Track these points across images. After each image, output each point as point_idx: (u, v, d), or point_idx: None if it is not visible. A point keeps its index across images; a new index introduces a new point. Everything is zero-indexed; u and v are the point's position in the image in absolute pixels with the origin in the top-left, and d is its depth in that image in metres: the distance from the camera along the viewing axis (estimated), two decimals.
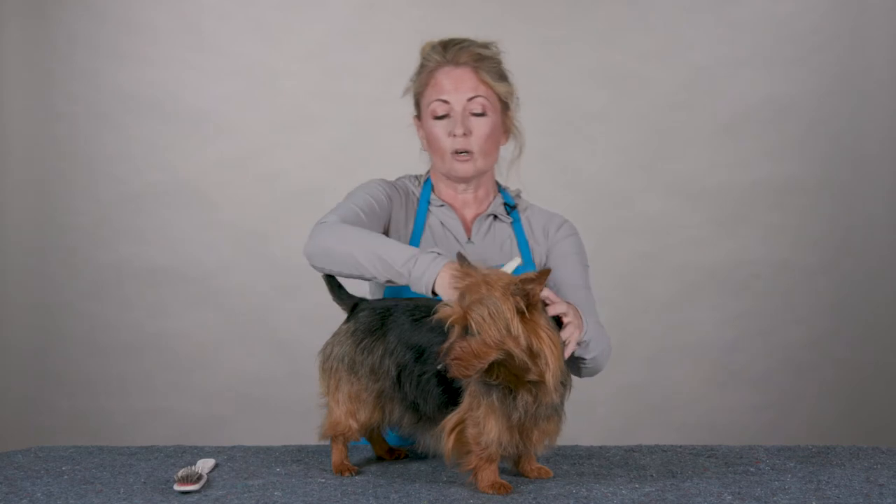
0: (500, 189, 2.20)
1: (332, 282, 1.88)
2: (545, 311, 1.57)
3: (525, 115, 4.13)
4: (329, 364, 1.79)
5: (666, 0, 4.11)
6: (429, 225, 2.10)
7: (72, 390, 3.97)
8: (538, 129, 4.09)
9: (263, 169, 3.94)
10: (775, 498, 1.54)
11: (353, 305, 1.85)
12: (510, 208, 2.17)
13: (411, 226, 2.09)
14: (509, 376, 1.54)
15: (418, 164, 2.23)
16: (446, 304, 1.54)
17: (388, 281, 1.80)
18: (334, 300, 1.87)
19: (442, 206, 2.12)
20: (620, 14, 4.10)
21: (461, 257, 1.61)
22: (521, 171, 2.17)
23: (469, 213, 2.14)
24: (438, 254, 1.76)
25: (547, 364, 1.51)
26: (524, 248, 2.13)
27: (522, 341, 1.50)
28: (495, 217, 2.15)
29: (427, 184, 2.16)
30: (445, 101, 2.05)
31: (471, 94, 2.05)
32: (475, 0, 4.06)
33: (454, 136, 2.04)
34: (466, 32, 4.13)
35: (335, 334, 1.82)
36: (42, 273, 3.97)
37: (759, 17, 4.11)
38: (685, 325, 4.13)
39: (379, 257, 1.79)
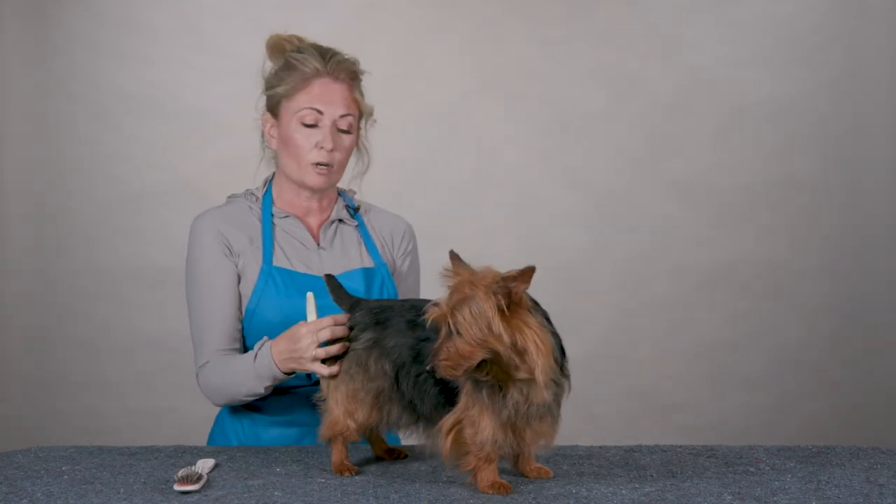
0: (340, 192, 2.23)
1: (331, 282, 1.88)
2: (538, 309, 1.56)
3: (525, 115, 4.15)
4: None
5: (666, 0, 4.11)
6: (276, 238, 2.11)
7: (72, 390, 3.97)
8: (538, 129, 4.14)
9: (263, 169, 3.93)
10: (775, 498, 1.54)
11: (350, 305, 1.85)
12: (353, 211, 2.20)
13: (258, 243, 2.10)
14: (500, 373, 1.54)
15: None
16: (434, 304, 1.54)
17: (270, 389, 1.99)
18: (333, 300, 1.87)
19: (286, 217, 2.14)
20: (620, 14, 4.10)
21: (453, 255, 1.61)
22: (363, 187, 2.23)
23: (314, 221, 2.17)
24: (260, 347, 1.94)
25: (535, 361, 1.51)
26: (372, 249, 2.17)
27: (506, 339, 1.49)
28: (340, 221, 2.18)
29: (267, 196, 2.17)
30: (319, 112, 2.06)
31: (343, 111, 2.08)
32: (475, 0, 4.06)
33: (321, 148, 2.06)
34: (467, 32, 4.15)
35: None
36: (42, 273, 3.97)
37: (759, 17, 4.11)
38: (685, 325, 4.13)
39: (253, 393, 1.99)
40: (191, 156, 3.97)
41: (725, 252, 4.13)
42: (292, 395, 2.08)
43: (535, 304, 1.57)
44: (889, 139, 4.14)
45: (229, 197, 2.21)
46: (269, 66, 2.18)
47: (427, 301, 1.73)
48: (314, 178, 2.08)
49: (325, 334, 1.78)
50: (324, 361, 1.79)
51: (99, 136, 3.96)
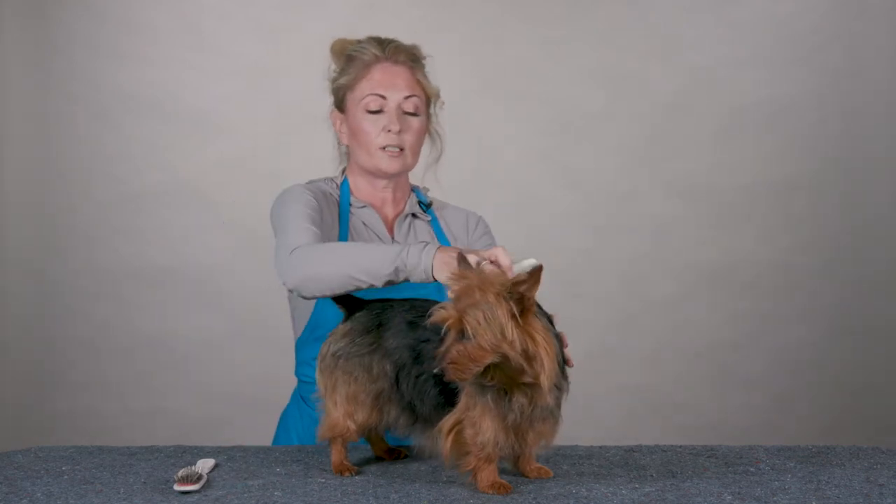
0: (413, 188, 2.23)
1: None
2: (542, 313, 1.57)
3: (525, 115, 4.16)
4: (326, 364, 1.78)
5: (666, 0, 4.11)
6: (352, 226, 2.11)
7: (72, 390, 3.97)
8: (538, 129, 4.14)
9: (263, 169, 3.94)
10: (775, 498, 1.54)
11: (353, 306, 1.84)
12: (426, 206, 2.20)
13: (336, 228, 2.09)
14: (504, 378, 1.54)
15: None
16: (442, 307, 1.54)
17: (387, 282, 1.78)
18: (332, 300, 1.87)
19: (363, 206, 2.13)
20: (620, 14, 4.11)
21: (461, 258, 1.61)
22: (438, 174, 2.20)
23: (389, 213, 2.17)
24: (426, 243, 1.76)
25: (542, 366, 1.52)
26: (445, 244, 2.13)
27: (518, 345, 1.50)
28: (414, 216, 2.18)
29: (344, 185, 2.16)
30: (382, 97, 2.06)
31: (407, 93, 2.08)
32: (475, 0, 4.06)
33: (388, 131, 2.05)
34: (466, 32, 4.15)
35: (332, 334, 1.82)
36: (42, 273, 3.97)
37: (759, 17, 4.11)
38: (685, 325, 4.13)
39: (367, 270, 1.76)
40: (191, 156, 3.97)
41: (725, 252, 4.13)
42: None
43: (538, 306, 1.57)
44: (889, 139, 4.14)
45: (308, 182, 2.16)
46: (334, 69, 2.16)
47: (426, 301, 1.73)
48: (387, 162, 2.08)
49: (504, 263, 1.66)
50: None
51: (99, 136, 3.96)
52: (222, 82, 3.96)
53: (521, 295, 1.50)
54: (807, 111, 4.13)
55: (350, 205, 2.13)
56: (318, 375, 1.79)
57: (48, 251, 3.97)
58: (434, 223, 2.19)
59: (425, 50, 2.20)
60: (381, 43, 2.10)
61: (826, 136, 4.14)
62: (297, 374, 2.20)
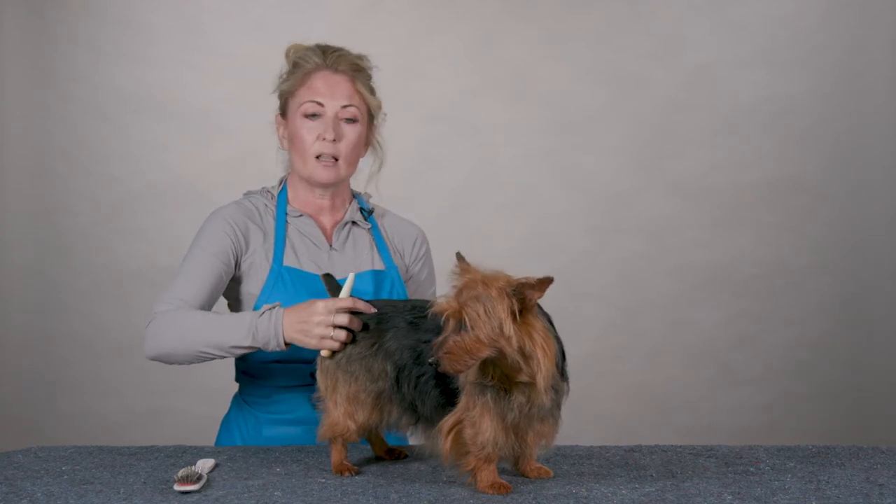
0: (355, 195, 2.23)
1: (330, 282, 1.88)
2: (542, 313, 1.57)
3: (525, 114, 4.16)
4: (326, 364, 1.78)
5: (666, 0, 4.12)
6: (288, 237, 2.12)
7: (72, 390, 3.97)
8: (538, 129, 4.14)
9: (263, 169, 3.93)
10: (775, 498, 1.54)
11: None
12: (367, 213, 2.21)
13: (271, 241, 2.10)
14: (503, 377, 1.54)
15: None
16: (442, 299, 1.55)
17: (241, 353, 1.90)
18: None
19: (300, 216, 2.15)
20: (620, 14, 4.11)
21: (459, 256, 1.61)
22: (380, 185, 2.22)
23: (327, 221, 2.17)
24: (270, 308, 1.85)
25: (539, 365, 1.52)
26: (384, 252, 2.17)
27: (515, 342, 1.50)
28: (353, 223, 2.18)
29: (282, 195, 2.17)
30: (320, 104, 2.07)
31: (345, 102, 2.09)
32: (475, 0, 4.06)
33: (323, 139, 2.06)
34: (467, 32, 4.15)
35: None
36: (42, 273, 3.97)
37: (759, 17, 4.11)
38: (685, 324, 4.13)
39: (221, 345, 1.88)
40: (191, 156, 3.97)
41: (725, 252, 4.13)
42: (296, 394, 2.08)
43: (539, 307, 1.57)
44: (889, 139, 4.14)
45: (245, 194, 2.22)
46: (284, 73, 2.19)
47: (428, 302, 1.73)
48: (320, 172, 2.09)
49: (342, 319, 1.75)
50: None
51: (99, 136, 3.96)
52: (222, 82, 3.96)
53: (523, 294, 1.50)
54: (807, 111, 4.13)
55: (287, 214, 2.14)
56: (318, 375, 1.80)
57: (48, 251, 3.97)
58: (375, 231, 2.19)
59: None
60: (325, 51, 2.12)
61: (826, 136, 4.14)
62: (237, 378, 2.21)
